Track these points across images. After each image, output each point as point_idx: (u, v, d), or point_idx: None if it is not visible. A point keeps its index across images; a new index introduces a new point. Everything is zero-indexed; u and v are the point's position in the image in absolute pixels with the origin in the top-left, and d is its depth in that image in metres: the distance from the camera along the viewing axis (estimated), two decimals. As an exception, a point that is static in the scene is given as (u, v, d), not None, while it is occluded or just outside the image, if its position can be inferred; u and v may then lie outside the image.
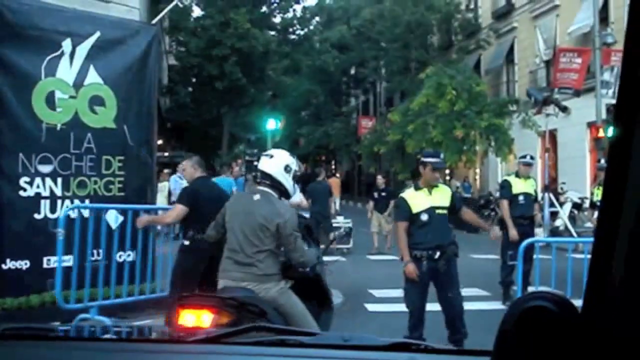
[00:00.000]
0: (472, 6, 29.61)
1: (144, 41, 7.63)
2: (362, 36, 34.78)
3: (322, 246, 13.56)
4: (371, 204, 14.87)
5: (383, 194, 14.71)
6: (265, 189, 4.46)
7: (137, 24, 7.96)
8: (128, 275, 7.11)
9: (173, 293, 5.80)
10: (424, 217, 5.90)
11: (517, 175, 8.88)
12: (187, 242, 6.04)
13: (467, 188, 24.59)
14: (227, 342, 1.53)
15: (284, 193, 4.55)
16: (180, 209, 6.01)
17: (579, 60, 17.01)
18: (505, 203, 8.62)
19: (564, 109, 14.99)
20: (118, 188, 7.45)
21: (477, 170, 31.08)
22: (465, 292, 6.86)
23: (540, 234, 15.28)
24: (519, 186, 8.74)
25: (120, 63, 7.44)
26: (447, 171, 26.11)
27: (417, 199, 5.98)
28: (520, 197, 8.69)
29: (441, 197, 6.02)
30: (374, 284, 10.56)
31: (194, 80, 25.53)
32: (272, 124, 13.95)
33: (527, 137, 23.54)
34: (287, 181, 4.53)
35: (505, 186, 8.79)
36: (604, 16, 20.84)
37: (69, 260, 6.55)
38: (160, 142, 32.18)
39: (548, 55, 24.65)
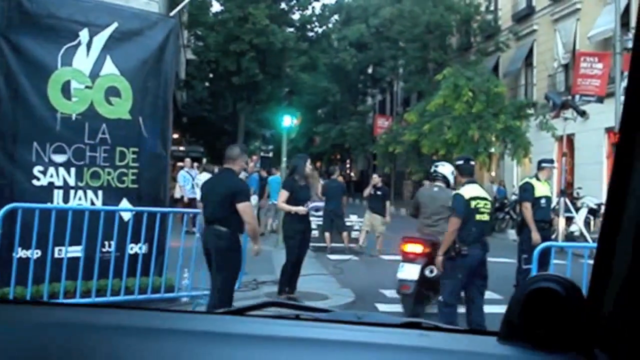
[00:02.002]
0: (492, 8, 29.36)
1: (161, 33, 7.59)
2: (381, 35, 34.67)
3: (331, 245, 13.56)
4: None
5: (378, 192, 14.17)
6: (441, 183, 8.18)
7: (155, 16, 7.91)
8: (141, 268, 7.14)
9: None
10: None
11: (538, 178, 8.77)
12: None
13: (502, 192, 24.17)
14: (248, 314, 1.60)
15: (448, 185, 8.09)
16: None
17: (600, 66, 16.76)
18: (529, 206, 8.52)
19: (582, 114, 14.79)
20: (132, 180, 7.42)
21: (493, 174, 30.91)
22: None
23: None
24: (541, 189, 8.64)
25: (137, 54, 7.40)
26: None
27: None
28: (542, 201, 8.62)
29: None
30: (386, 284, 10.47)
31: (211, 75, 25.52)
32: (288, 121, 13.78)
33: (543, 140, 23.33)
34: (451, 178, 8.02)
35: (528, 189, 8.67)
36: (625, 21, 20.58)
37: (78, 251, 6.54)
38: (176, 136, 32.35)
39: (567, 60, 24.41)
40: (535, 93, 26.25)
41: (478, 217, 6.33)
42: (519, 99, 25.40)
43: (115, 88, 7.30)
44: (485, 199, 6.49)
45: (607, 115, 18.93)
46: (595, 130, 21.23)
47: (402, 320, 1.56)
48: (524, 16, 27.69)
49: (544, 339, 1.14)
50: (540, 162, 9.09)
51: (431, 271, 7.50)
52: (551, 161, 8.98)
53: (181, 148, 31.44)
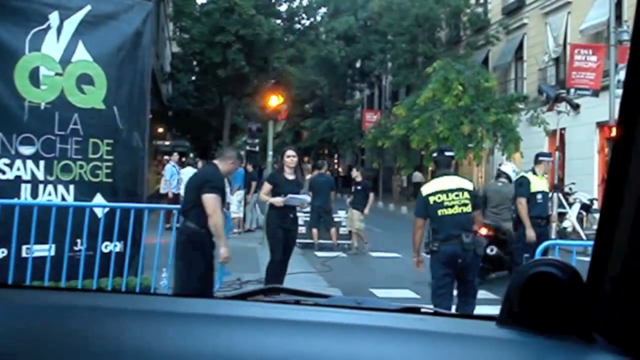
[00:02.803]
0: (481, 1, 29.02)
1: (138, 18, 7.10)
2: (369, 29, 34.25)
3: (318, 241, 13.12)
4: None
5: (358, 187, 13.92)
6: (504, 179, 9.68)
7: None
8: (115, 268, 6.69)
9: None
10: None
11: (535, 172, 8.36)
12: None
13: None
14: (251, 299, 1.67)
15: (510, 180, 9.27)
16: None
17: (594, 59, 16.40)
18: (523, 201, 8.07)
19: (576, 107, 14.43)
20: (106, 174, 6.94)
21: (482, 169, 30.63)
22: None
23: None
24: (537, 184, 8.22)
25: (112, 40, 6.92)
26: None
27: None
28: (539, 196, 8.20)
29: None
30: (376, 282, 10.06)
31: (197, 68, 24.89)
32: (274, 101, 13.14)
33: (533, 135, 23.06)
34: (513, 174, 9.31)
35: (524, 183, 8.22)
36: (618, 14, 20.32)
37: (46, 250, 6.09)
38: (160, 130, 31.77)
39: (558, 53, 24.15)
40: (525, 87, 25.98)
41: (440, 212, 5.91)
42: (509, 93, 25.08)
43: (88, 75, 6.81)
44: (452, 190, 5.99)
45: (598, 109, 18.64)
46: (586, 124, 20.95)
47: (401, 305, 1.58)
48: (514, 9, 27.40)
49: (543, 322, 1.15)
50: (537, 155, 8.67)
51: (492, 250, 9.31)
52: (549, 155, 8.56)
53: (167, 142, 30.90)
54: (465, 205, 5.95)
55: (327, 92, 42.18)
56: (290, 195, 7.37)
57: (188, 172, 15.50)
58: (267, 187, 7.64)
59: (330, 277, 10.32)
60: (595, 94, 16.93)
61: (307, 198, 8.50)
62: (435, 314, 1.62)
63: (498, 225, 9.47)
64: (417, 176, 38.61)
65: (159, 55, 23.92)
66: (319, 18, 22.62)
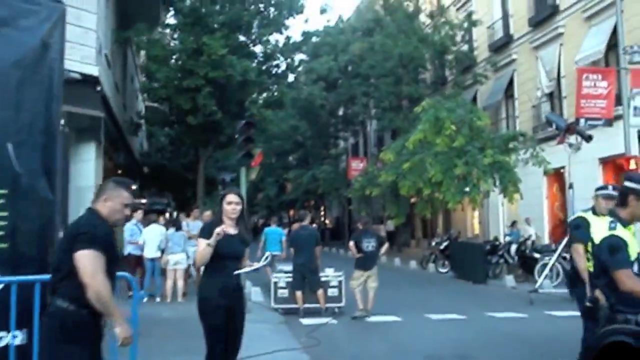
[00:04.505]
0: (467, 38, 27.80)
1: (44, 24, 5.27)
2: (351, 73, 32.98)
3: (304, 306, 11.11)
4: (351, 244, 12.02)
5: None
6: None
7: (33, 1, 5.59)
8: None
9: None
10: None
11: (595, 212, 6.27)
12: None
13: (515, 234, 20.96)
14: None
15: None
16: None
17: (604, 84, 14.82)
18: (580, 249, 5.97)
19: (589, 138, 12.82)
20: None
21: (476, 213, 28.86)
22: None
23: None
24: (598, 226, 6.15)
25: (6, 53, 5.09)
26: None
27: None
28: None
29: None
30: (378, 357, 8.11)
31: (172, 118, 23.06)
32: (248, 146, 11.24)
33: (530, 176, 21.48)
34: None
35: (582, 225, 6.06)
36: (613, 42, 19.05)
37: None
38: (134, 187, 29.89)
39: (551, 88, 22.84)
40: (518, 126, 24.54)
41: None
42: (500, 132, 23.54)
43: (-29, 102, 4.96)
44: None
45: (600, 144, 17.10)
46: (587, 161, 19.35)
47: None
48: (501, 45, 26.20)
49: None
50: (597, 189, 6.57)
51: None
52: (604, 187, 6.50)
53: (143, 200, 29.03)
54: None
55: (310, 143, 40.66)
56: (248, 269, 5.37)
57: (153, 230, 13.58)
58: (202, 242, 5.23)
59: (319, 354, 8.30)
60: (609, 123, 15.29)
61: (263, 261, 5.98)
62: None
63: None
64: (390, 225, 36.93)
65: (126, 107, 22.22)
66: (297, 60, 20.99)
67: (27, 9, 5.26)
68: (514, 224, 21.45)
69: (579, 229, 6.12)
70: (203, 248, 5.15)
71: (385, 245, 11.81)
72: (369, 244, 11.54)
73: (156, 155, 30.48)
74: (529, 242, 19.03)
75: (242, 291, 5.47)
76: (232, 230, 5.28)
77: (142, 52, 24.59)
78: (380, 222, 35.35)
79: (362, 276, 11.52)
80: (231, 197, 5.35)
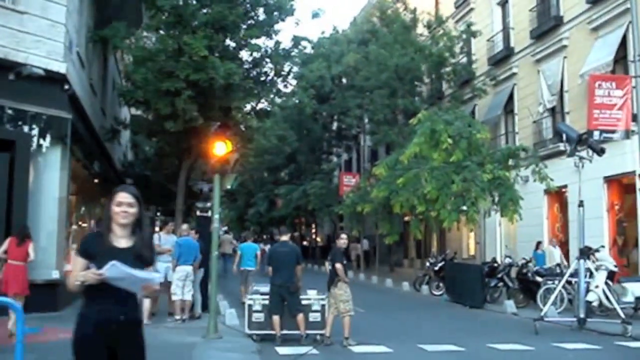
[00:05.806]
0: (465, 50, 26.74)
1: None
2: (344, 85, 31.92)
3: (281, 332, 9.80)
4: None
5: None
6: None
7: None
8: None
9: None
10: None
11: None
12: None
13: (540, 257, 19.27)
14: None
15: None
16: None
17: (619, 93, 13.65)
18: None
19: (601, 152, 11.65)
20: None
21: (472, 234, 27.63)
22: None
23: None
24: None
25: None
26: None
27: None
28: None
29: None
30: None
31: (153, 126, 21.76)
32: (221, 149, 9.92)
33: (529, 194, 20.32)
34: None
35: None
36: (622, 55, 18.01)
37: None
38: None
39: (553, 103, 21.78)
40: (517, 142, 23.38)
41: None
42: (503, 147, 22.40)
43: None
44: None
45: (605, 162, 15.93)
46: (591, 180, 18.13)
47: None
48: (502, 58, 25.17)
49: None
50: None
51: None
52: None
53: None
54: None
55: (303, 158, 39.53)
56: (112, 263, 3.55)
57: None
58: (79, 263, 3.75)
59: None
60: (626, 135, 14.06)
61: (154, 276, 4.00)
62: None
63: None
64: (365, 244, 35.76)
65: (105, 113, 21.00)
66: (286, 68, 19.76)
67: None
68: (538, 245, 19.94)
69: None
70: (74, 276, 3.71)
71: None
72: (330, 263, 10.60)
73: (140, 166, 29.18)
74: (533, 265, 17.61)
75: (135, 326, 3.87)
76: (122, 241, 3.84)
77: (127, 58, 23.42)
78: (357, 241, 34.23)
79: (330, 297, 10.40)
80: (122, 197, 3.83)
